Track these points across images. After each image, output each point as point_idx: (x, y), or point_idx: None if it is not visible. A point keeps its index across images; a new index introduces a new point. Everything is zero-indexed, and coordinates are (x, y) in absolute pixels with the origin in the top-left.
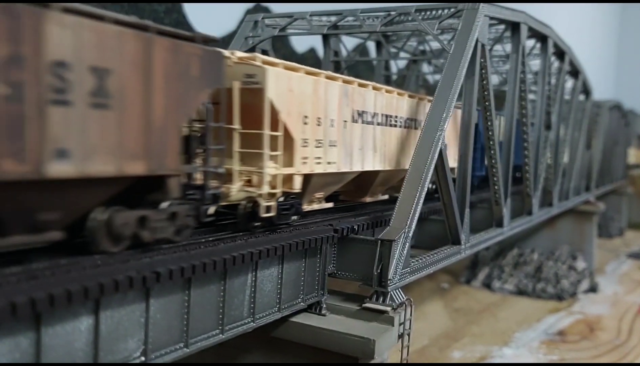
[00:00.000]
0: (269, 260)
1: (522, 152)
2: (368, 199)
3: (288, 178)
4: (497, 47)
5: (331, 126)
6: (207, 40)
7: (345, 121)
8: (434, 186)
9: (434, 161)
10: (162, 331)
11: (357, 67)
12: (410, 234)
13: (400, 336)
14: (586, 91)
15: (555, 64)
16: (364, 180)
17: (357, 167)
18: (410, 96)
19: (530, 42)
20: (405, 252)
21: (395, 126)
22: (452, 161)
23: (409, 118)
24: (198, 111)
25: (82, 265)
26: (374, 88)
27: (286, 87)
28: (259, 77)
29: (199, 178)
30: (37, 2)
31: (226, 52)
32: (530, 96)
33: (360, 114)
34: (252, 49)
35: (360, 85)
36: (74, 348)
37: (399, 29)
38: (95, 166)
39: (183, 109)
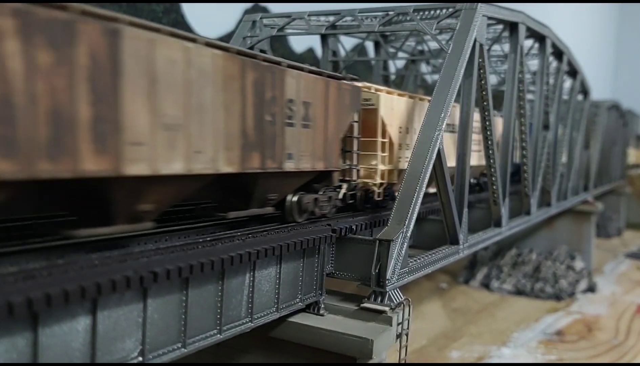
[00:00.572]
0: (267, 260)
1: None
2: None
3: (390, 172)
4: (496, 47)
5: (415, 134)
6: (353, 79)
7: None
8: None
9: (432, 161)
10: (160, 331)
11: (356, 67)
12: (409, 234)
13: (399, 336)
14: (584, 91)
15: (554, 64)
16: None
17: None
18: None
19: (528, 42)
20: (403, 252)
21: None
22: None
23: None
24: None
25: (79, 265)
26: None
27: (390, 106)
28: (373, 100)
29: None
30: (246, 55)
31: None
32: (529, 96)
33: None
34: (250, 49)
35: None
36: (71, 348)
37: (397, 29)
38: (303, 164)
39: (342, 126)
